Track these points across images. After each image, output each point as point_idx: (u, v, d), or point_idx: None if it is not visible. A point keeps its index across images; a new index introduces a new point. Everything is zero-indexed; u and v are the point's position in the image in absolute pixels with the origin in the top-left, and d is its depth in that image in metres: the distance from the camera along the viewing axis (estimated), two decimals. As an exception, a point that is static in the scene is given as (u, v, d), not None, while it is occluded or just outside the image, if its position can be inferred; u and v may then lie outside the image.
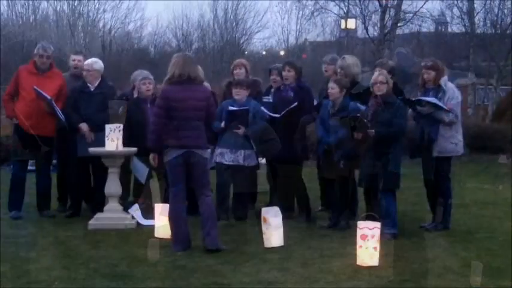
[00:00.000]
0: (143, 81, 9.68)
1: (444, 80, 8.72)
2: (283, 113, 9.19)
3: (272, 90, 9.83)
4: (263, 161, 10.25)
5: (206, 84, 8.68)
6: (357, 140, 8.45)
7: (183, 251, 7.60)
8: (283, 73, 9.42)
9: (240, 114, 9.31)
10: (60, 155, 10.17)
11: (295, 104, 9.12)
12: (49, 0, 37.19)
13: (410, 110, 8.83)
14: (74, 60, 10.24)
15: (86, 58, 10.36)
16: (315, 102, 9.63)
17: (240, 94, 9.44)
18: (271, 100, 9.69)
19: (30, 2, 36.65)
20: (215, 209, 8.14)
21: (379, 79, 8.42)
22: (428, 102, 8.56)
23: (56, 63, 10.03)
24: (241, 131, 9.27)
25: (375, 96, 8.42)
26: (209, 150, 8.56)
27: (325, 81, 9.47)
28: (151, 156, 8.16)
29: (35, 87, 9.25)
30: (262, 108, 9.44)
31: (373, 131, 8.23)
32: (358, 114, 8.39)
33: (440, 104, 8.54)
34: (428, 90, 8.79)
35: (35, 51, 9.66)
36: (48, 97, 9.26)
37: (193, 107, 7.61)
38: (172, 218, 7.78)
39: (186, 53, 8.10)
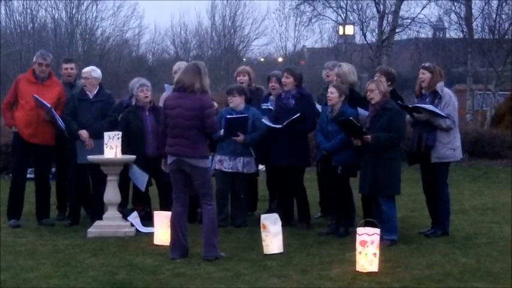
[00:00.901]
0: (141, 89, 9.67)
1: (440, 86, 8.73)
2: (285, 124, 9.14)
3: (271, 97, 9.82)
4: (262, 167, 10.24)
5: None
6: (356, 146, 8.48)
7: (180, 258, 7.59)
8: (282, 80, 9.40)
9: (239, 122, 9.30)
10: (59, 163, 10.17)
11: (298, 114, 9.08)
12: (47, 8, 37.22)
13: (408, 116, 8.84)
14: (66, 68, 10.20)
15: (77, 65, 10.35)
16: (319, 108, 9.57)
17: (232, 101, 9.44)
18: (270, 107, 9.68)
19: (29, 11, 36.67)
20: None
21: (368, 87, 8.45)
22: (426, 109, 8.57)
23: (55, 71, 10.00)
24: (240, 138, 9.26)
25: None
26: (209, 159, 8.50)
27: (324, 88, 9.46)
28: (162, 161, 8.06)
29: (35, 95, 9.23)
30: (263, 120, 9.41)
31: (369, 136, 8.26)
32: (351, 118, 8.40)
33: (437, 110, 8.55)
34: (424, 96, 8.81)
35: (34, 60, 9.65)
36: (49, 105, 9.26)
37: (182, 115, 7.53)
38: (172, 222, 7.76)
39: (194, 62, 7.97)
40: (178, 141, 7.59)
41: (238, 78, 10.09)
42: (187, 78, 7.60)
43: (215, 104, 8.94)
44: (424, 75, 8.76)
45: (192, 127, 7.57)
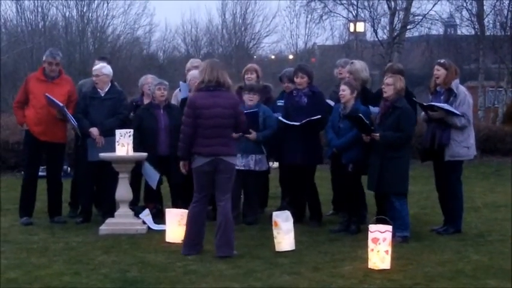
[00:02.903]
0: (158, 87, 9.64)
1: (455, 84, 8.69)
2: (303, 122, 9.09)
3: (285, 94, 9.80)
4: (274, 165, 10.23)
5: None
6: (364, 144, 8.47)
7: (193, 254, 7.58)
8: (297, 80, 9.34)
9: (249, 117, 9.28)
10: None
11: (319, 116, 9.05)
12: (58, 6, 37.27)
13: (423, 113, 8.81)
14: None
15: (110, 63, 10.32)
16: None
17: (253, 100, 9.43)
18: (285, 104, 9.67)
19: (40, 9, 36.72)
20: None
21: (386, 81, 8.44)
22: (440, 108, 8.53)
23: (65, 69, 10.00)
24: (252, 135, 9.25)
25: (385, 99, 8.42)
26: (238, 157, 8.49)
27: (336, 85, 9.43)
28: (181, 163, 7.89)
29: (47, 94, 9.24)
30: (280, 118, 9.39)
31: (377, 134, 8.25)
32: (360, 115, 8.38)
33: (452, 109, 8.51)
34: (439, 93, 8.77)
35: (44, 58, 9.65)
36: (61, 104, 9.27)
37: (220, 114, 7.46)
38: (190, 221, 7.70)
39: (213, 59, 7.94)
40: (215, 141, 7.49)
41: (246, 76, 10.07)
42: (220, 75, 7.53)
43: None
44: (439, 72, 8.72)
45: (229, 125, 7.57)
